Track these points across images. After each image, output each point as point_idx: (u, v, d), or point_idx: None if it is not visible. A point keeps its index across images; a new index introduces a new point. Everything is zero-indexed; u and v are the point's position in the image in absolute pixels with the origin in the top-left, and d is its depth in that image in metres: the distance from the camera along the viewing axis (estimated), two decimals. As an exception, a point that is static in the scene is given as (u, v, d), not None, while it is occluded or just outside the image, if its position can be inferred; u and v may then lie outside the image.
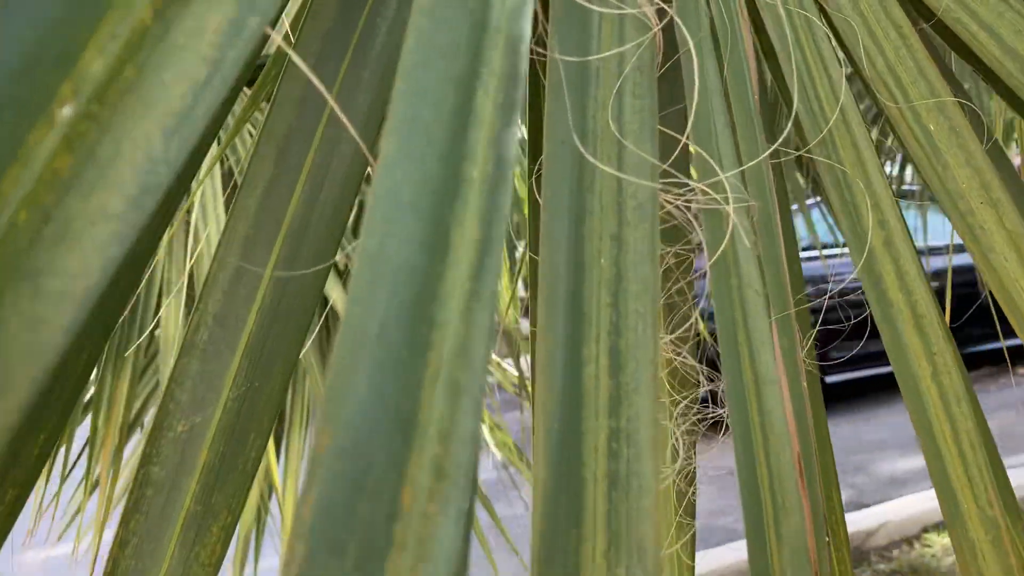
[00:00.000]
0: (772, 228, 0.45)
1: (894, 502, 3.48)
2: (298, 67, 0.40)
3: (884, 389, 4.60)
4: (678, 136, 0.40)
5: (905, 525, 3.35)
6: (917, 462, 4.20)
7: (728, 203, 0.39)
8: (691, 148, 0.40)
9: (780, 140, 0.45)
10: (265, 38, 0.25)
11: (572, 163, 0.37)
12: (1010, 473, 0.50)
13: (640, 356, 0.36)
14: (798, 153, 0.49)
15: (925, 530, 3.37)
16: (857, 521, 3.31)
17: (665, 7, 0.38)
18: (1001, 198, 0.52)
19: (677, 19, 0.38)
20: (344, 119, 0.35)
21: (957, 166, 0.52)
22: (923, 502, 3.42)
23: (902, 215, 0.51)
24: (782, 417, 0.41)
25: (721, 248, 0.39)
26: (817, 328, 0.62)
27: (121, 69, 0.22)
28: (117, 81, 0.22)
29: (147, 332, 1.28)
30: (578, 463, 0.34)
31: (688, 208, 0.39)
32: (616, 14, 0.37)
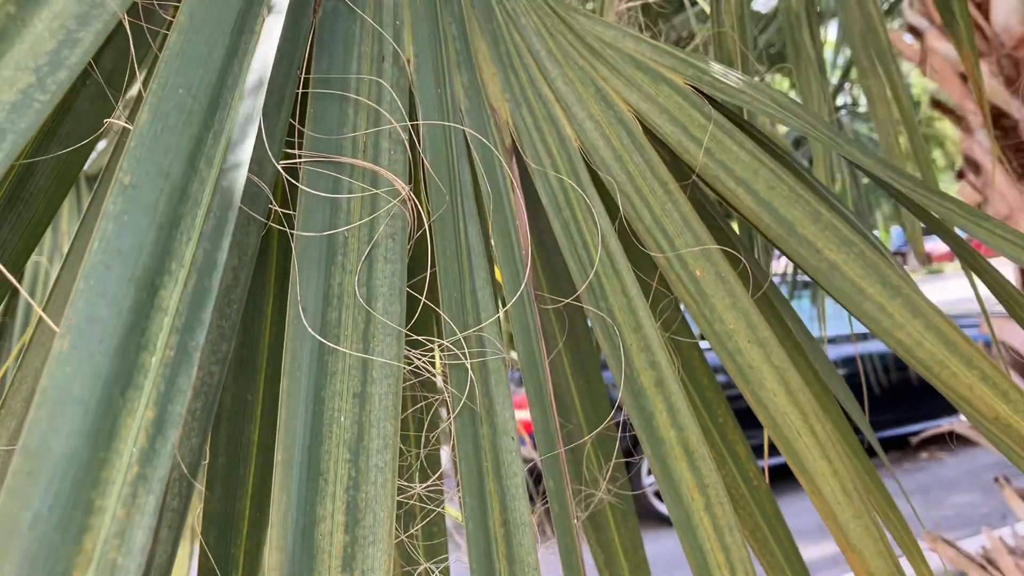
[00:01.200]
0: (538, 369, 0.48)
1: None
2: None
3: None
4: (425, 300, 0.43)
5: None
6: (826, 549, 4.25)
7: (468, 358, 0.42)
8: (441, 310, 0.43)
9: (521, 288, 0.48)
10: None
11: (310, 337, 0.39)
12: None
13: (378, 509, 0.38)
14: (567, 300, 0.52)
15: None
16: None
17: (405, 186, 0.42)
18: (767, 337, 0.57)
19: (412, 196, 0.42)
20: (42, 313, 0.37)
21: (724, 309, 0.56)
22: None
23: (672, 357, 0.55)
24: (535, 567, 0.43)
25: (461, 403, 0.42)
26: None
27: None
28: None
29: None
30: (307, 621, 0.36)
31: (433, 364, 0.42)
32: (363, 194, 0.41)
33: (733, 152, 0.57)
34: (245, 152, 0.33)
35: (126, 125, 0.33)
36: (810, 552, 0.61)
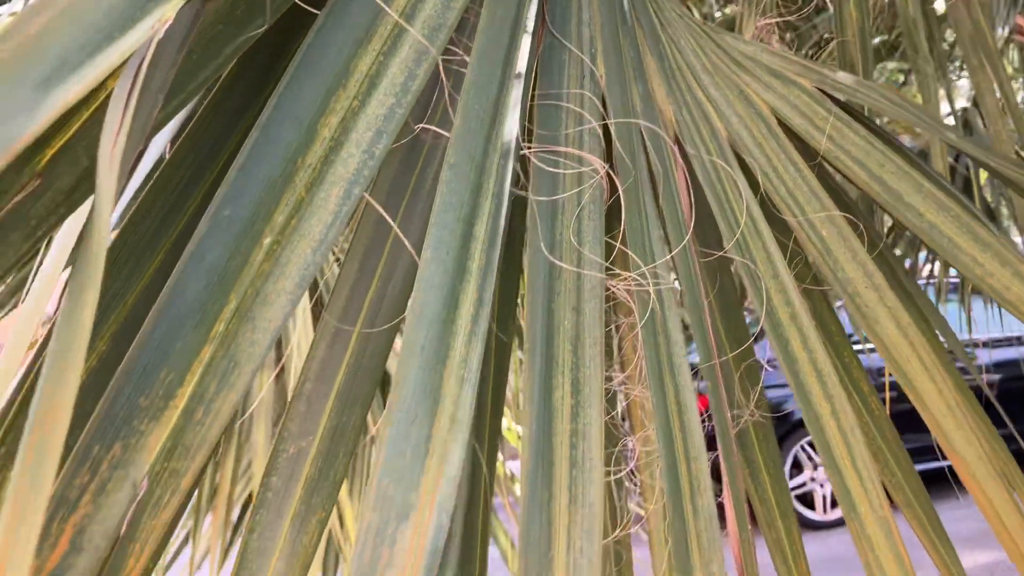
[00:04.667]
0: (698, 304, 0.65)
1: None
2: (372, 205, 0.62)
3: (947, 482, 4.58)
4: (620, 245, 0.61)
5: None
6: (977, 559, 4.16)
7: (652, 286, 0.59)
8: (630, 254, 0.61)
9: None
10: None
11: (545, 264, 0.58)
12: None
13: (592, 383, 0.56)
14: (720, 253, 0.69)
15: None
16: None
17: (604, 166, 0.60)
18: (881, 283, 0.72)
19: (611, 173, 0.60)
20: (404, 239, 0.56)
21: (845, 261, 0.72)
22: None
23: (802, 299, 0.70)
24: (700, 434, 0.60)
25: (647, 315, 0.59)
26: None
27: (291, 219, 0.44)
28: (289, 226, 0.44)
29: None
30: (549, 450, 0.54)
31: (626, 290, 0.60)
32: (573, 172, 0.59)
33: (850, 138, 0.73)
34: (511, 144, 0.52)
35: (439, 131, 0.53)
36: (965, 560, 0.76)
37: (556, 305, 0.58)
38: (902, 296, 0.77)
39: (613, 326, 0.67)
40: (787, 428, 5.07)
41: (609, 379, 0.63)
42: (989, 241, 0.70)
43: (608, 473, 0.65)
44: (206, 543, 1.94)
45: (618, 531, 0.75)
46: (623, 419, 0.70)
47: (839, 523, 4.95)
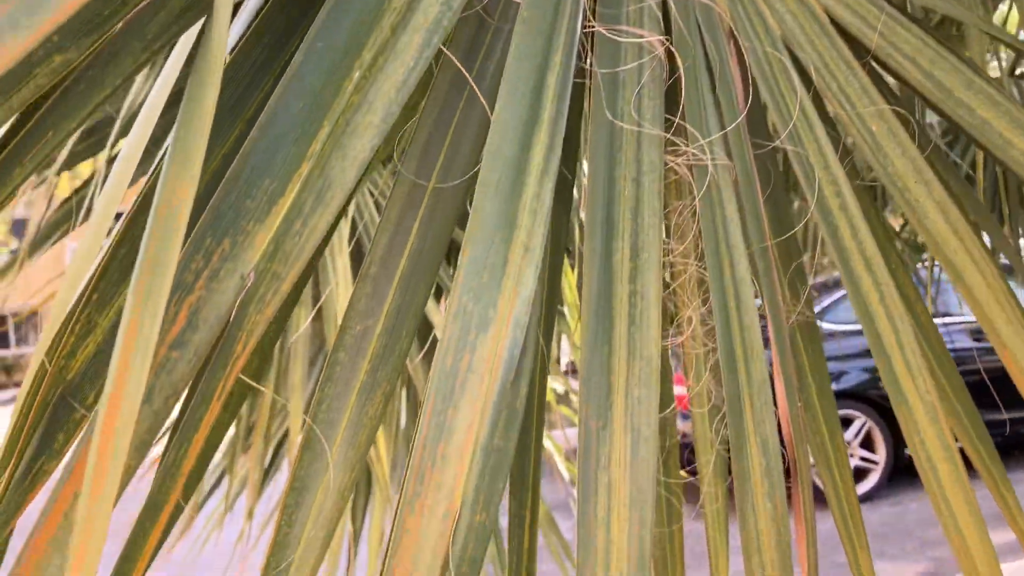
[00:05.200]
0: (752, 186, 0.67)
1: (1008, 565, 3.46)
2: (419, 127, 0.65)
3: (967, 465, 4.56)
4: (679, 120, 0.63)
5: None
6: (998, 537, 4.14)
7: (711, 161, 0.62)
8: (688, 127, 0.63)
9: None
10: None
11: (607, 135, 0.60)
12: None
13: (650, 249, 0.59)
14: (773, 144, 0.71)
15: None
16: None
17: (666, 42, 0.62)
18: (930, 178, 0.73)
19: (672, 47, 0.62)
20: (477, 90, 0.59)
21: (895, 156, 0.73)
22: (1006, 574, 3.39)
23: (851, 189, 0.72)
24: (752, 306, 0.63)
25: (705, 185, 0.62)
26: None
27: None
28: (376, 64, 0.47)
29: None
30: (609, 308, 0.57)
31: (686, 165, 0.62)
32: (635, 41, 0.62)
33: (902, 35, 0.74)
34: (580, 1, 0.55)
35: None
36: (999, 537, 0.77)
37: (617, 174, 0.60)
38: (951, 191, 0.79)
39: (673, 209, 0.69)
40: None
41: (666, 253, 0.66)
42: (1040, 136, 0.71)
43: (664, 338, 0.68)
44: (242, 479, 1.99)
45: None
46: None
47: (864, 499, 4.95)
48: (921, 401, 0.70)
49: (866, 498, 4.97)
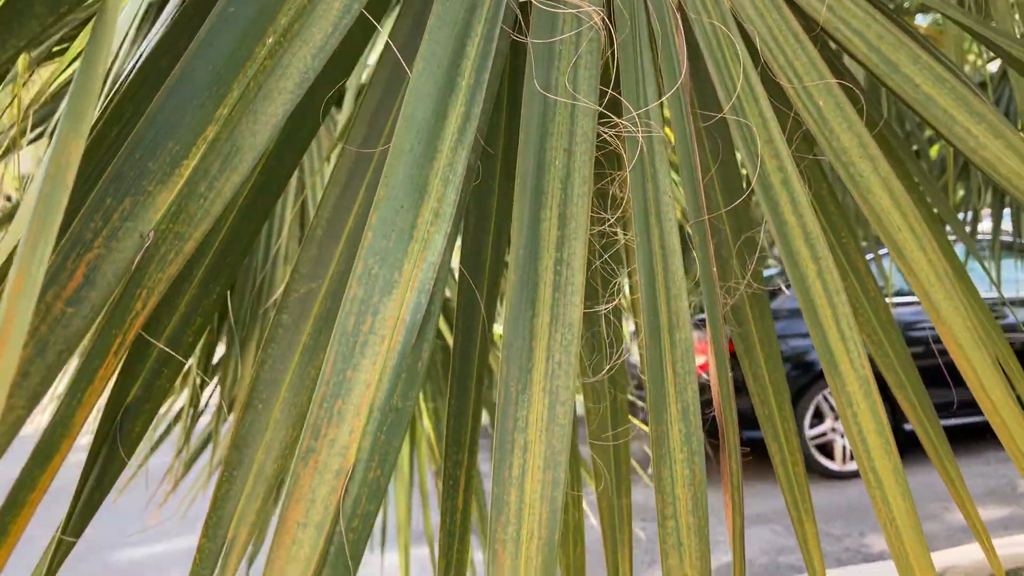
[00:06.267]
0: (690, 158, 0.68)
1: (962, 548, 3.49)
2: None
3: (963, 440, 4.59)
4: (612, 92, 0.64)
5: (972, 571, 3.35)
6: (991, 513, 4.17)
7: (640, 133, 0.62)
8: (622, 99, 0.64)
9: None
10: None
11: (540, 105, 0.61)
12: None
13: (578, 218, 0.60)
14: (719, 115, 0.72)
15: (1000, 577, 3.36)
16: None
17: (601, 13, 0.63)
18: (876, 154, 0.74)
19: (608, 23, 0.63)
20: (397, 52, 0.60)
21: (841, 130, 0.74)
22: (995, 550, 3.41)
23: (795, 163, 0.73)
24: (681, 275, 0.64)
25: (636, 156, 0.62)
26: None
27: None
28: (291, 29, 0.47)
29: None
30: (535, 273, 0.58)
31: (616, 136, 0.63)
32: (572, 12, 0.62)
33: (850, 9, 0.74)
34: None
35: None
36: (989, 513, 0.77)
37: (548, 145, 0.61)
38: (896, 167, 0.79)
39: (609, 179, 0.70)
40: (810, 378, 5.09)
41: (601, 222, 0.67)
42: (983, 112, 0.72)
43: (592, 305, 0.69)
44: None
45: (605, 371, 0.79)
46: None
47: (857, 474, 4.97)
48: (856, 374, 0.71)
49: (854, 474, 5.00)
